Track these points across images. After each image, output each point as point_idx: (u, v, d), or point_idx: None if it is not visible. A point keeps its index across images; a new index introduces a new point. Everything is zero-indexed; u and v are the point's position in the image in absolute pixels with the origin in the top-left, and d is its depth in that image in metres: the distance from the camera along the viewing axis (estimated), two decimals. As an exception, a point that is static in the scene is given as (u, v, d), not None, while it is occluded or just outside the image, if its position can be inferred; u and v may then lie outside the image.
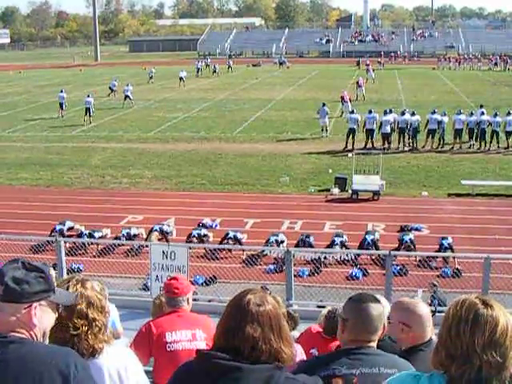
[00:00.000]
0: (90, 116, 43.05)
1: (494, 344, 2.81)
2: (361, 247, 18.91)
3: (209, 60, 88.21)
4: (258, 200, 25.19)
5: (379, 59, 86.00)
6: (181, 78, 66.00)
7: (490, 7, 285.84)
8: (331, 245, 19.09)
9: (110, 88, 57.32)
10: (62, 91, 47.06)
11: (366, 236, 19.24)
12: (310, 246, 19.09)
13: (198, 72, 78.03)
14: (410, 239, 19.06)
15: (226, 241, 19.74)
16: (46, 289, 3.22)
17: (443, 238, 18.96)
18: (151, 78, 71.23)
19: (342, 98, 44.11)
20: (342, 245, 19.17)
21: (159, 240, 19.31)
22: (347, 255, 18.63)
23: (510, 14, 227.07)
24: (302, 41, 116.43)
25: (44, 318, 3.25)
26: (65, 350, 3.26)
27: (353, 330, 3.90)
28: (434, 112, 34.81)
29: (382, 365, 3.80)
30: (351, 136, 33.81)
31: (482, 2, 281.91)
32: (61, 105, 45.75)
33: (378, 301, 4.02)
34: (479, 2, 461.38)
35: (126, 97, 50.86)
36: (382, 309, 3.98)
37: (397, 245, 18.86)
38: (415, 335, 4.56)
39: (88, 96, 44.43)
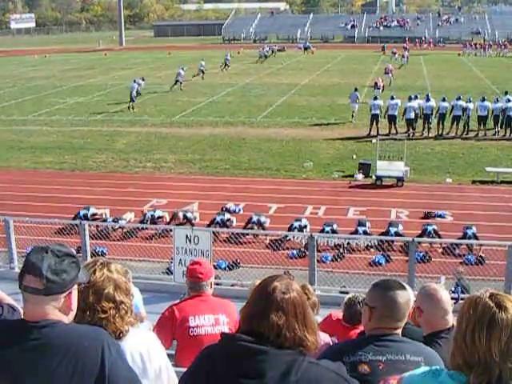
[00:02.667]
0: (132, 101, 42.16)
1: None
2: (384, 235, 18.89)
3: (270, 47, 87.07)
4: (282, 185, 25.19)
5: (404, 45, 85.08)
6: (225, 62, 66.45)
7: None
8: (355, 232, 19.09)
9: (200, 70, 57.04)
10: (134, 81, 45.54)
11: (390, 228, 19.18)
12: (334, 231, 19.08)
13: (262, 57, 77.27)
14: (434, 229, 18.98)
15: (249, 225, 19.79)
16: (78, 273, 3.27)
17: (467, 228, 18.88)
18: (226, 64, 66.83)
19: (376, 83, 43.95)
20: (365, 234, 19.17)
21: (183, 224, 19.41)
22: (370, 241, 18.61)
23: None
24: (327, 26, 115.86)
25: (76, 300, 3.31)
26: (98, 332, 3.32)
27: (380, 318, 3.90)
28: (458, 98, 34.55)
29: (408, 352, 3.81)
30: (375, 122, 33.66)
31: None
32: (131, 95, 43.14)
33: (404, 288, 4.02)
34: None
35: (177, 81, 50.87)
36: (408, 296, 3.99)
37: (420, 232, 18.83)
38: (430, 320, 4.56)
39: (136, 81, 44.31)
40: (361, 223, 19.60)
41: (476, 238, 18.39)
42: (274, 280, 3.23)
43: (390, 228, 19.14)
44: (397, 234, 18.81)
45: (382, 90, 44.19)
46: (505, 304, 2.77)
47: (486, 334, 2.72)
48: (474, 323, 2.77)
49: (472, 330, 2.77)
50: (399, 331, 3.92)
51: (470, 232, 18.72)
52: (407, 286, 5.12)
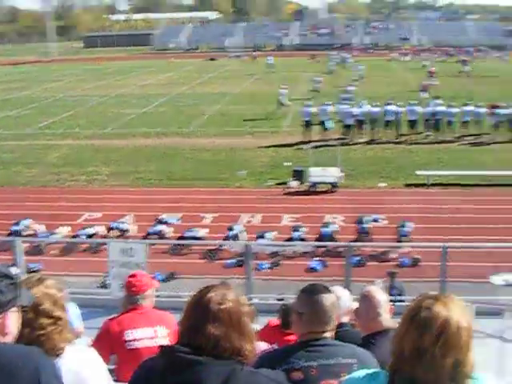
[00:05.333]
0: None
1: (447, 345, 2.70)
2: (319, 240, 19.06)
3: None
4: (217, 194, 25.16)
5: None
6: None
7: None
8: (291, 239, 19.23)
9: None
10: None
11: (323, 229, 19.39)
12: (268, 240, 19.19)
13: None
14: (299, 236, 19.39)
15: (183, 237, 19.73)
16: (17, 295, 3.20)
17: (402, 226, 19.26)
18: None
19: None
20: (301, 239, 19.32)
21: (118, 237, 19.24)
22: (305, 247, 18.76)
23: (462, 5, 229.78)
24: (258, 34, 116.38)
25: (15, 322, 3.24)
26: (33, 351, 3.25)
27: (308, 323, 3.90)
28: (389, 103, 35.09)
29: (341, 355, 3.82)
30: (307, 129, 33.93)
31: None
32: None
33: (329, 291, 4.02)
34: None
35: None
36: (334, 298, 3.99)
37: (355, 236, 19.05)
38: (366, 321, 4.60)
39: None
40: (296, 229, 19.76)
41: (408, 235, 18.84)
42: (210, 291, 3.22)
43: (324, 229, 19.41)
44: (330, 234, 19.08)
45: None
46: (445, 301, 2.79)
47: (419, 327, 2.73)
48: (410, 317, 2.79)
49: (407, 323, 2.79)
50: (329, 334, 3.93)
51: (404, 229, 19.16)
52: (341, 290, 5.18)
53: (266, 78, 66.73)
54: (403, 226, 19.54)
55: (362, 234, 19.36)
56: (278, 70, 71.94)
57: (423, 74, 61.88)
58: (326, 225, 19.98)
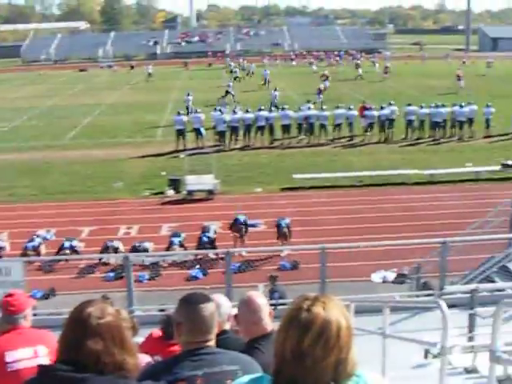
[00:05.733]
0: None
1: (327, 346, 2.69)
2: (199, 246, 19.08)
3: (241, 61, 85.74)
4: (93, 207, 24.75)
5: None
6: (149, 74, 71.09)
7: (313, 5, 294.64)
8: (170, 245, 19.15)
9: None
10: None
11: (202, 234, 19.45)
12: (146, 250, 19.04)
13: (231, 72, 75.47)
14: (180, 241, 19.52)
15: (61, 251, 19.32)
16: None
17: (282, 219, 19.61)
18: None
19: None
20: (181, 245, 19.30)
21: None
22: (186, 256, 18.73)
23: (332, 10, 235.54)
24: (130, 44, 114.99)
25: None
26: None
27: (189, 333, 3.88)
28: (260, 109, 35.46)
29: (224, 362, 3.82)
30: (181, 137, 33.91)
31: (305, 1, 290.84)
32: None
33: (208, 300, 4.01)
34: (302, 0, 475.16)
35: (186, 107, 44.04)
36: (214, 307, 3.99)
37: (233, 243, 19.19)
38: (247, 326, 4.62)
39: None
40: (175, 234, 19.73)
41: (289, 228, 19.61)
42: (88, 306, 3.16)
43: (203, 234, 19.51)
44: (210, 239, 19.21)
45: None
46: (324, 301, 2.78)
47: (298, 328, 2.74)
48: (289, 319, 2.79)
49: (286, 325, 2.79)
50: (212, 343, 3.93)
51: (283, 223, 19.51)
52: (221, 297, 5.19)
53: (144, 87, 66.29)
54: (283, 219, 19.92)
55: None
56: (155, 78, 71.64)
57: (310, 78, 63.09)
58: (205, 230, 20.02)
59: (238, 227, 19.95)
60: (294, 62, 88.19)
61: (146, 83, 69.30)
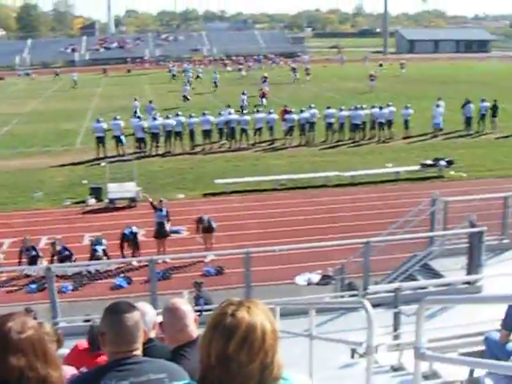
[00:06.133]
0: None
1: (252, 350, 2.68)
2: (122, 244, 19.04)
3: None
4: (13, 219, 24.25)
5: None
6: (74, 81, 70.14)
7: (232, 10, 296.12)
8: (93, 254, 18.93)
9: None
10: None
11: (125, 231, 19.42)
12: (68, 259, 18.80)
13: (173, 77, 75.72)
14: (103, 250, 19.40)
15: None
16: None
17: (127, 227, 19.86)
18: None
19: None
20: (105, 253, 19.11)
21: None
22: (109, 265, 18.54)
23: (251, 15, 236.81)
24: (47, 51, 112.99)
25: None
26: None
27: (114, 343, 3.83)
28: (177, 115, 35.37)
29: (151, 371, 3.78)
30: (101, 144, 33.59)
31: (223, 5, 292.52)
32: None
33: (133, 308, 3.96)
34: (221, 5, 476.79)
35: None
36: (138, 316, 3.94)
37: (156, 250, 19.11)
38: (173, 334, 4.59)
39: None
40: (97, 242, 19.52)
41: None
42: (8, 320, 3.08)
43: (126, 231, 19.44)
44: (134, 234, 19.18)
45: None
46: (248, 305, 2.76)
47: (222, 333, 2.73)
48: (213, 324, 2.78)
49: (210, 330, 2.78)
50: (138, 352, 3.89)
51: (205, 217, 19.69)
52: (146, 306, 5.14)
53: (63, 95, 65.28)
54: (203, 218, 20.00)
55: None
56: (79, 86, 70.71)
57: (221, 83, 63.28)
58: (127, 228, 19.92)
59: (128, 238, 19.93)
60: (228, 68, 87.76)
61: (65, 91, 68.19)
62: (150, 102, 43.99)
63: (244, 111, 40.85)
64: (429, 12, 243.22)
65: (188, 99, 54.05)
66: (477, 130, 38.93)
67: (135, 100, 45.42)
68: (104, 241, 19.67)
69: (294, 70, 73.31)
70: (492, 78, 72.26)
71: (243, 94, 48.11)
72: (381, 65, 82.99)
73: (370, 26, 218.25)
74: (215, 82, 65.03)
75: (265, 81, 61.38)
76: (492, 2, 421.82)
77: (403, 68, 79.63)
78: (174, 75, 76.95)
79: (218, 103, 48.74)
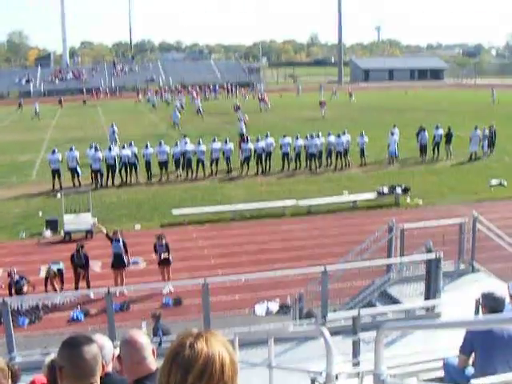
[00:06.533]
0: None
1: (211, 382, 2.65)
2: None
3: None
4: (-33, 251, 23.90)
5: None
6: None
7: (188, 40, 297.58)
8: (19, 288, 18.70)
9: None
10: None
11: (52, 267, 19.28)
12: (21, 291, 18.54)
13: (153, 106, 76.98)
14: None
15: None
16: None
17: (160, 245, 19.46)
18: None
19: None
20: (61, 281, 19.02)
21: None
22: (66, 298, 18.31)
23: (207, 45, 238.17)
24: (2, 82, 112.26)
25: None
26: None
27: (71, 377, 3.77)
28: (130, 144, 35.27)
29: (110, 404, 3.75)
30: (57, 176, 33.31)
31: (179, 36, 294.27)
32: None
33: (91, 341, 3.91)
34: (177, 35, 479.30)
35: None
36: (96, 348, 3.89)
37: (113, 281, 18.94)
38: (131, 366, 4.53)
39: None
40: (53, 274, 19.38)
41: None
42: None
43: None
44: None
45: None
46: (206, 336, 2.74)
47: (180, 365, 2.70)
48: (171, 357, 2.75)
49: (168, 363, 2.75)
50: (95, 386, 3.83)
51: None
52: (103, 338, 5.07)
53: (18, 126, 64.57)
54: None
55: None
56: (23, 118, 70.12)
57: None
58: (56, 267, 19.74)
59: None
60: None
61: (21, 122, 67.57)
62: (112, 125, 44.28)
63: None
64: (383, 41, 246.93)
65: (178, 126, 55.00)
66: (431, 157, 39.45)
67: (112, 126, 45.93)
68: (62, 264, 19.57)
69: (263, 100, 73.77)
70: (446, 105, 73.49)
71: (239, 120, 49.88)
72: (334, 94, 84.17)
73: (325, 55, 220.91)
74: (199, 110, 66.29)
75: (238, 108, 62.71)
76: (445, 32, 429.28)
77: (352, 96, 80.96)
78: (153, 105, 77.07)
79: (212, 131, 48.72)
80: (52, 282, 19.32)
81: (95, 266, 20.89)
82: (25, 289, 18.64)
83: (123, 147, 34.98)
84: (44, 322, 17.34)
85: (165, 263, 19.75)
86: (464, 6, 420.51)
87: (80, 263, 19.39)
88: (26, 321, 17.28)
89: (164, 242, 19.82)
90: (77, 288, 19.14)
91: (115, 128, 45.86)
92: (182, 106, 71.83)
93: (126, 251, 19.90)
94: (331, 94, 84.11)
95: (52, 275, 19.34)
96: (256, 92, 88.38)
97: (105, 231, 20.71)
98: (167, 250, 19.75)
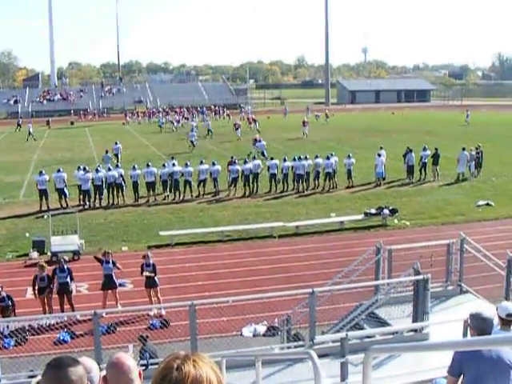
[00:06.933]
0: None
1: None
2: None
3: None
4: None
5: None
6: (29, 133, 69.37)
7: (175, 62, 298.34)
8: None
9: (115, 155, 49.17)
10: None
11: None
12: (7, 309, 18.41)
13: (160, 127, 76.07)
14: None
15: None
16: None
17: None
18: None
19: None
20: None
21: None
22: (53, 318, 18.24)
23: (194, 67, 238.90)
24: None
25: None
26: None
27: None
28: (117, 166, 35.25)
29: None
30: (44, 197, 33.22)
31: (166, 57, 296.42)
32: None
33: (77, 363, 3.86)
34: (164, 57, 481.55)
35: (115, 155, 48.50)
36: (82, 370, 3.83)
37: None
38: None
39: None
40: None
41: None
42: None
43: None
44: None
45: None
46: (194, 359, 2.74)
47: None
48: (159, 380, 2.73)
49: None
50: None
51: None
52: (89, 361, 5.02)
53: (4, 147, 64.39)
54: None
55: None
56: (10, 138, 69.92)
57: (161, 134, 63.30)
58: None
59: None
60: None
61: (9, 143, 67.41)
62: (107, 152, 44.51)
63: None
64: (369, 63, 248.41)
65: (194, 145, 55.91)
66: (419, 178, 39.56)
67: (116, 143, 48.69)
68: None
69: (254, 121, 73.88)
70: (432, 126, 73.91)
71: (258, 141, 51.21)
72: (317, 116, 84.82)
73: (312, 77, 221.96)
74: (209, 130, 67.16)
75: (239, 127, 65.20)
76: (431, 53, 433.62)
77: (328, 117, 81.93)
78: (160, 126, 76.98)
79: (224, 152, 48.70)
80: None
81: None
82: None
83: (109, 169, 34.90)
84: (30, 343, 17.19)
85: (151, 285, 19.65)
86: (450, 27, 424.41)
87: (63, 281, 19.34)
88: (12, 342, 17.15)
89: (151, 261, 19.76)
90: (62, 310, 19.04)
91: (119, 146, 48.86)
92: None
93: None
94: (315, 116, 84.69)
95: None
96: (245, 113, 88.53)
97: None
98: (154, 269, 19.68)
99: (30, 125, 73.09)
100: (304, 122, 67.36)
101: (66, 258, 20.75)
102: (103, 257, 19.93)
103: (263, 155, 46.54)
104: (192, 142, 56.54)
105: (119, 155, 48.05)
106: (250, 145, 53.53)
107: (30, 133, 70.34)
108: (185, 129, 71.34)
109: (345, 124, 78.64)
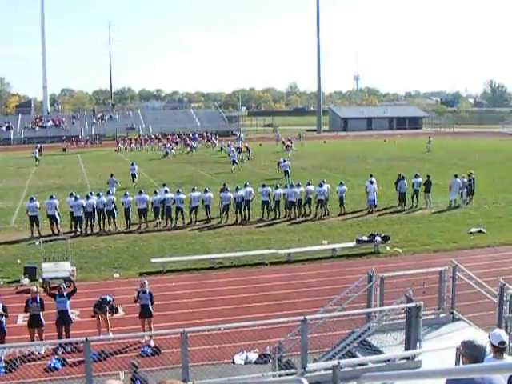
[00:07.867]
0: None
1: None
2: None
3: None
4: None
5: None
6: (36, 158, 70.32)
7: (167, 89, 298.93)
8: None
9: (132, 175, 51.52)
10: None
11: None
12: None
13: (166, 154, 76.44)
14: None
15: None
16: None
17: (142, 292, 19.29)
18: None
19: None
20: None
21: None
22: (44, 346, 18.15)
23: (186, 94, 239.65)
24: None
25: None
26: None
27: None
28: (108, 192, 35.24)
29: None
30: (35, 223, 33.17)
31: (159, 84, 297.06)
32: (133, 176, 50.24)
33: None
34: (156, 84, 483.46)
35: (133, 175, 51.02)
36: None
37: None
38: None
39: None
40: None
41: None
42: None
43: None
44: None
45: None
46: None
47: None
48: None
49: None
50: None
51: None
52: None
53: (8, 172, 64.50)
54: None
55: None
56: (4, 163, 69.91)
57: (155, 161, 63.22)
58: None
59: (100, 307, 19.62)
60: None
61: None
62: (112, 175, 44.49)
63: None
64: (361, 90, 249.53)
65: (237, 164, 59.49)
66: (411, 205, 39.65)
67: (132, 164, 50.78)
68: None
69: (247, 148, 73.71)
70: (425, 153, 74.24)
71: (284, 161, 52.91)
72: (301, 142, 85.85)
73: (304, 104, 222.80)
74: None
75: (241, 151, 68.03)
76: (423, 80, 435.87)
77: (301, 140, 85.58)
78: (166, 153, 76.79)
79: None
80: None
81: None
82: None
83: (98, 195, 34.88)
84: (20, 370, 17.08)
85: (146, 315, 19.57)
86: (441, 55, 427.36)
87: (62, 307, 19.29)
88: (2, 370, 17.04)
89: (147, 289, 19.72)
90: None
91: (136, 166, 50.91)
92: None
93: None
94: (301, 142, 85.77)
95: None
96: (241, 141, 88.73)
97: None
98: (151, 297, 19.64)
99: (36, 150, 73.42)
100: (287, 147, 70.37)
101: (65, 286, 20.67)
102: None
103: (286, 174, 49.26)
104: (234, 161, 59.63)
105: (136, 175, 50.63)
106: (243, 173, 53.66)
107: (36, 158, 71.01)
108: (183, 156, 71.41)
109: (337, 151, 78.77)
